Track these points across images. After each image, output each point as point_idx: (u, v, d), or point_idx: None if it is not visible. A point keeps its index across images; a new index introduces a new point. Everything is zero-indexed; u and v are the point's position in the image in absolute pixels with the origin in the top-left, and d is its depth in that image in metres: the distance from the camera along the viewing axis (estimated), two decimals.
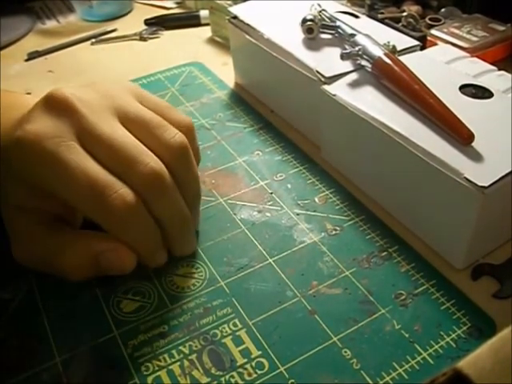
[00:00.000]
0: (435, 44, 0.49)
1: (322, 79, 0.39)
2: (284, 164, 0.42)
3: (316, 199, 0.38)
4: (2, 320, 0.31)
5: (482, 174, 0.29)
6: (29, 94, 0.52)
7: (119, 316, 0.31)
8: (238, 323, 0.30)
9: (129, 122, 0.30)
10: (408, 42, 0.42)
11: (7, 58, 0.60)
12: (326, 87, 0.38)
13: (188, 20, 0.66)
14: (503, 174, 0.29)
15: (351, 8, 0.50)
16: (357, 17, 0.46)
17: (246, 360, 0.28)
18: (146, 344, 0.29)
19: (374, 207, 0.37)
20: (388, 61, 0.37)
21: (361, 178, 0.39)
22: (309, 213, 0.37)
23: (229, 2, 0.57)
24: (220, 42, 0.61)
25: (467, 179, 0.29)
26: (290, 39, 0.43)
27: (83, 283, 0.32)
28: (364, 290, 0.31)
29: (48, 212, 0.31)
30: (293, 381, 0.27)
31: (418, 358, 0.28)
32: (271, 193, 0.39)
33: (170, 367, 0.28)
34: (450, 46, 0.46)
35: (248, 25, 0.46)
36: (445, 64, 0.41)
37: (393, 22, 0.53)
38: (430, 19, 0.54)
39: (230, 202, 0.38)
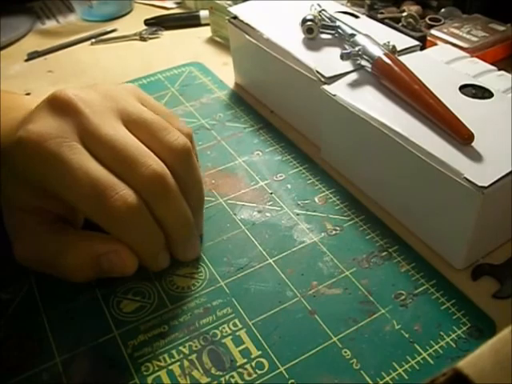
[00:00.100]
0: (435, 44, 0.49)
1: (322, 79, 0.39)
2: (284, 164, 0.42)
3: (316, 199, 0.38)
4: (1, 320, 0.31)
5: (482, 174, 0.29)
6: (28, 94, 0.52)
7: (119, 316, 0.31)
8: (237, 323, 0.30)
9: (131, 123, 0.30)
10: (408, 42, 0.42)
11: (7, 58, 0.60)
12: (325, 87, 0.38)
13: (188, 20, 0.66)
14: (503, 174, 0.29)
15: (351, 8, 0.50)
16: (357, 17, 0.46)
17: (245, 360, 0.28)
18: (146, 344, 0.29)
19: (373, 207, 0.37)
20: (388, 61, 0.37)
21: (361, 178, 0.39)
22: (309, 213, 0.37)
23: (229, 2, 0.57)
24: (220, 42, 0.61)
25: (467, 179, 0.29)
26: (290, 39, 0.43)
27: (83, 284, 0.32)
28: (364, 290, 0.31)
29: (49, 212, 0.31)
30: (293, 381, 0.27)
31: (418, 358, 0.28)
32: (271, 193, 0.39)
33: (170, 367, 0.28)
34: (449, 46, 0.46)
35: (248, 25, 0.46)
36: (445, 64, 0.41)
37: (393, 22, 0.53)
38: (429, 19, 0.54)
39: (229, 202, 0.38)
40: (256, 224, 0.36)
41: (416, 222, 0.35)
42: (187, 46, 0.61)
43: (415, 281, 0.32)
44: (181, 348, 0.29)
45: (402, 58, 0.38)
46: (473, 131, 0.31)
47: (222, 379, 0.28)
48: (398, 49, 0.40)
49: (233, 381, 0.27)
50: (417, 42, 0.42)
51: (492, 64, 0.41)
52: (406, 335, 0.29)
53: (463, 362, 0.17)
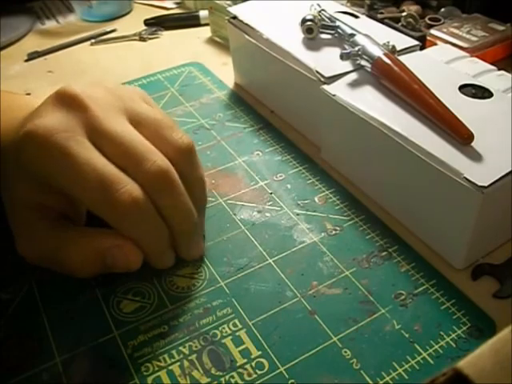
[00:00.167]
0: (435, 44, 0.49)
1: (322, 79, 0.39)
2: (284, 164, 0.42)
3: (316, 199, 0.38)
4: (1, 320, 0.31)
5: (482, 174, 0.29)
6: (28, 94, 0.52)
7: (119, 316, 0.31)
8: (237, 323, 0.30)
9: (137, 121, 0.31)
10: (408, 41, 0.42)
11: (7, 59, 0.60)
12: (325, 87, 0.38)
13: (187, 20, 0.66)
14: (503, 173, 0.29)
15: (351, 8, 0.50)
16: (356, 17, 0.46)
17: (245, 360, 0.28)
18: (146, 344, 0.29)
19: (373, 207, 0.37)
20: (388, 61, 0.37)
21: (361, 177, 0.39)
22: (309, 213, 0.37)
23: (228, 2, 0.57)
24: (220, 42, 0.61)
25: (467, 179, 0.29)
26: (290, 39, 0.43)
27: (83, 283, 0.32)
28: (364, 290, 0.31)
29: (52, 209, 0.31)
30: (293, 381, 0.27)
31: (418, 358, 0.28)
32: (271, 193, 0.39)
33: (170, 367, 0.28)
34: (449, 46, 0.46)
35: (247, 25, 0.46)
36: (444, 64, 0.41)
37: (392, 22, 0.53)
38: (429, 19, 0.54)
39: (229, 202, 0.38)
40: (256, 224, 0.36)
41: (416, 222, 0.35)
42: (187, 46, 0.61)
43: (415, 281, 0.32)
44: (181, 348, 0.29)
45: (402, 58, 0.38)
46: (472, 131, 0.31)
47: (222, 379, 0.28)
48: (398, 49, 0.40)
49: (233, 381, 0.27)
50: (416, 42, 0.42)
51: (492, 64, 0.41)
52: (406, 335, 0.29)
53: (463, 362, 0.17)
